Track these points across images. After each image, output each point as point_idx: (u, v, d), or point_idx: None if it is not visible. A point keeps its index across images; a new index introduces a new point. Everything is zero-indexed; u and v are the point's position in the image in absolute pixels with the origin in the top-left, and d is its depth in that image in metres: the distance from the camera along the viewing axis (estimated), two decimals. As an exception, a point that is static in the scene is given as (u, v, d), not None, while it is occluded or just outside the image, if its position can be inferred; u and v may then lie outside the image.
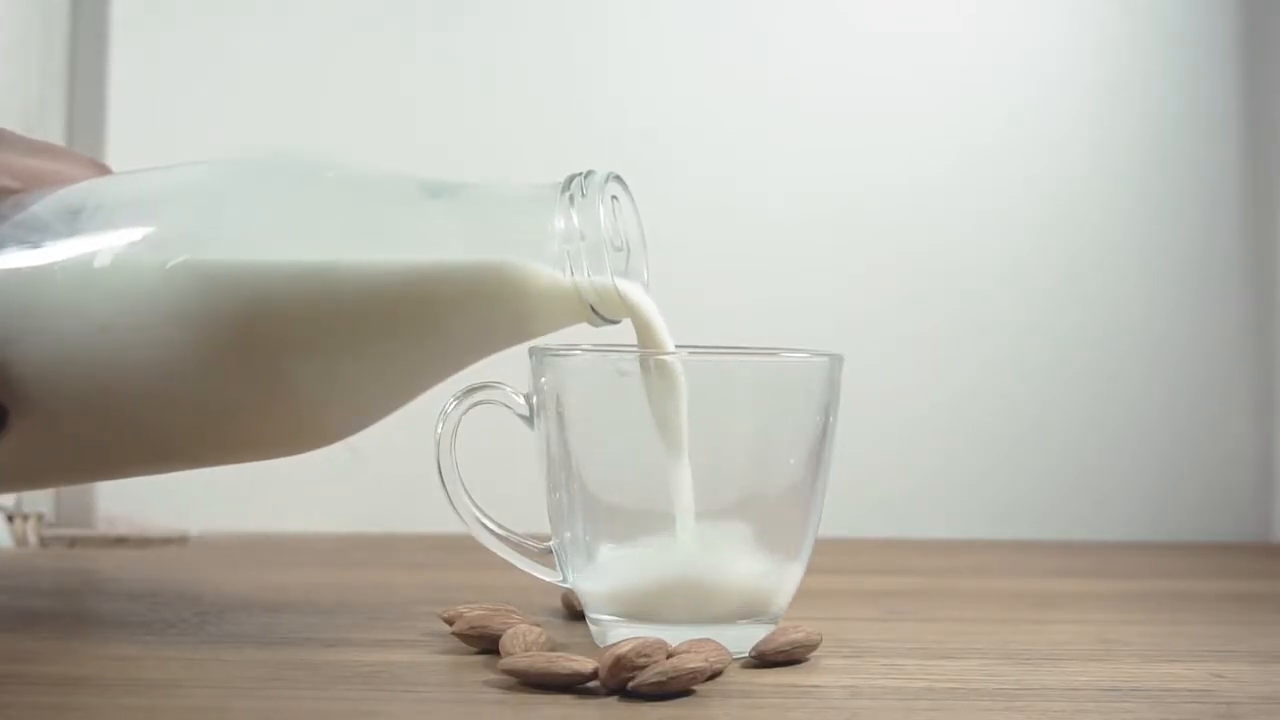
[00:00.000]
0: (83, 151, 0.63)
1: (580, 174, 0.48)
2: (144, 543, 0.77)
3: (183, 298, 0.46)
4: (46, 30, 0.81)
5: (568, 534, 0.49)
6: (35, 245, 0.48)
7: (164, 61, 0.85)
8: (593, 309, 0.48)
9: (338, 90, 0.86)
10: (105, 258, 0.47)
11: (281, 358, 0.47)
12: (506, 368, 0.51)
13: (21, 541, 0.77)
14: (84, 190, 0.50)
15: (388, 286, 0.47)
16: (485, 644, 0.48)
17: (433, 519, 0.59)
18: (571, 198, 0.48)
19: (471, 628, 0.48)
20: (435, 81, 0.87)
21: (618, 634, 0.47)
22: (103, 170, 0.54)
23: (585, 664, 0.43)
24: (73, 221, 0.48)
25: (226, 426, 0.49)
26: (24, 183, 0.51)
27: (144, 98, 0.83)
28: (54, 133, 0.78)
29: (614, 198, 0.49)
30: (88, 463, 0.53)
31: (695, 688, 0.43)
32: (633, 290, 0.48)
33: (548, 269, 0.47)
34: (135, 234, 0.47)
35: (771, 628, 0.49)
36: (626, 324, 0.49)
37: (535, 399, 0.49)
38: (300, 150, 0.50)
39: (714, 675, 0.45)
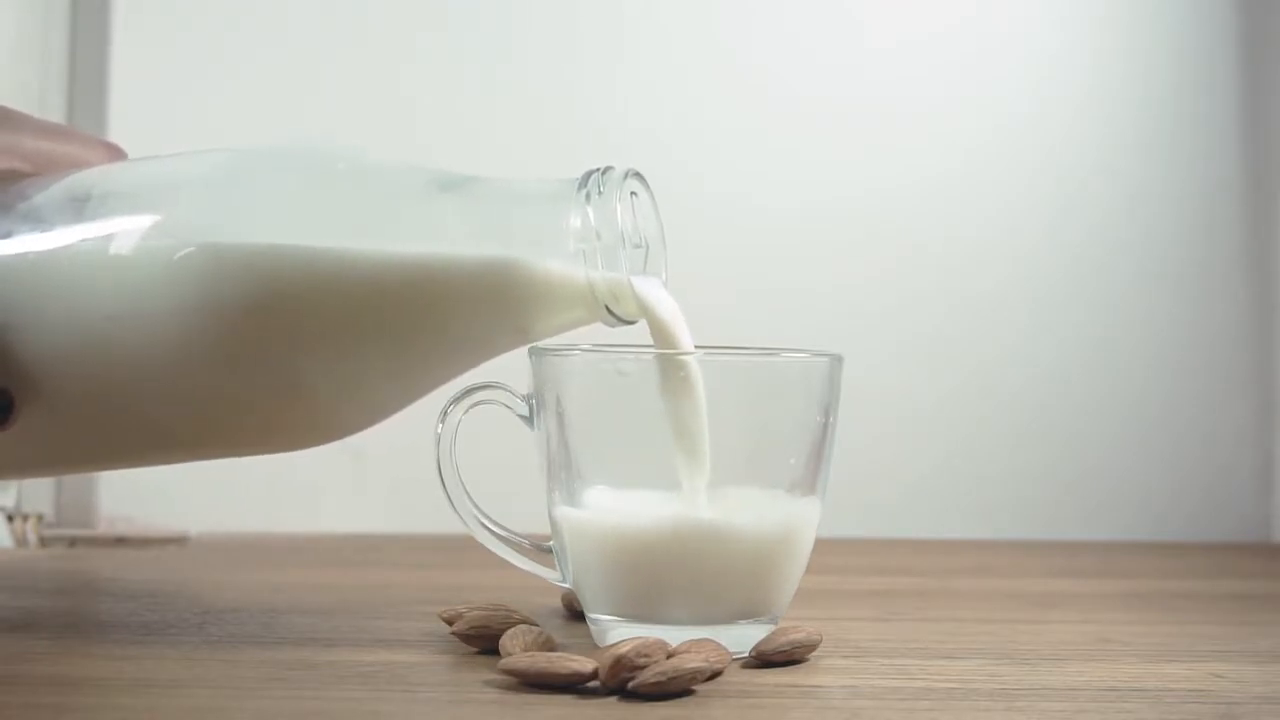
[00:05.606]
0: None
1: (598, 170, 0.47)
2: (144, 543, 0.77)
3: (191, 287, 0.46)
4: (46, 27, 0.80)
5: (562, 533, 0.49)
6: (43, 232, 0.48)
7: (164, 58, 0.85)
8: (608, 309, 0.47)
9: (338, 89, 0.86)
10: (113, 245, 0.47)
11: (290, 349, 0.46)
12: (506, 368, 0.51)
13: (21, 541, 0.77)
14: (92, 177, 0.50)
15: (397, 278, 0.46)
16: (485, 644, 0.48)
17: (433, 519, 0.59)
18: (588, 195, 0.47)
19: (471, 628, 0.48)
20: (436, 81, 0.87)
21: (618, 634, 0.47)
22: (114, 153, 0.53)
23: (585, 664, 0.43)
24: (81, 208, 0.48)
25: (233, 417, 0.49)
26: (35, 165, 0.51)
27: (144, 95, 0.83)
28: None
29: (633, 194, 0.48)
30: (94, 451, 0.53)
31: (695, 688, 0.43)
32: (650, 290, 0.48)
33: (562, 267, 0.47)
34: (144, 222, 0.47)
35: (771, 628, 0.48)
36: (639, 324, 0.48)
37: (535, 399, 0.49)
38: (312, 141, 0.50)
39: (714, 675, 0.45)
